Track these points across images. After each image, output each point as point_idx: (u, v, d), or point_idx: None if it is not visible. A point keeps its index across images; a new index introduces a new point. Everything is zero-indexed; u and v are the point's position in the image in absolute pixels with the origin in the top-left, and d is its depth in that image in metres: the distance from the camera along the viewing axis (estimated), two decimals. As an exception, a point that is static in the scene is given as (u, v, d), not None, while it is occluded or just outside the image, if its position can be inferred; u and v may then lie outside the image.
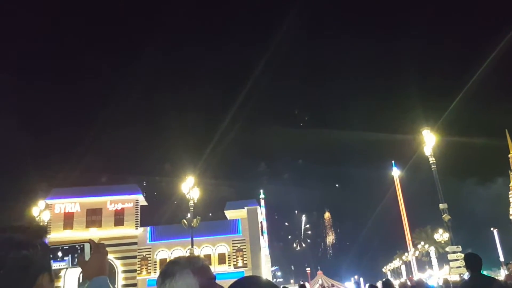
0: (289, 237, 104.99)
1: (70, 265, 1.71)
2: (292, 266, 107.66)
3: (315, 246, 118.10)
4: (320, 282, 64.29)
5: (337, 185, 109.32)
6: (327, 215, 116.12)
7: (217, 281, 1.71)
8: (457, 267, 19.72)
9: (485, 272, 5.18)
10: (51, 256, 1.48)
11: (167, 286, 1.58)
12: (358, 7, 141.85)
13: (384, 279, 9.86)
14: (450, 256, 20.34)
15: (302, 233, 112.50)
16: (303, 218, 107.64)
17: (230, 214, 44.26)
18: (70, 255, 1.70)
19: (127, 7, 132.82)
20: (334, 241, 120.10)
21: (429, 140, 21.20)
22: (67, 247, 1.70)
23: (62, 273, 35.65)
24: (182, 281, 1.57)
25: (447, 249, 21.67)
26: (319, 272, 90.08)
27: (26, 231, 1.37)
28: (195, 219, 26.52)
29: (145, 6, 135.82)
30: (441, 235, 44.98)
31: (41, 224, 1.54)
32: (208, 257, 38.45)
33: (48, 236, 1.46)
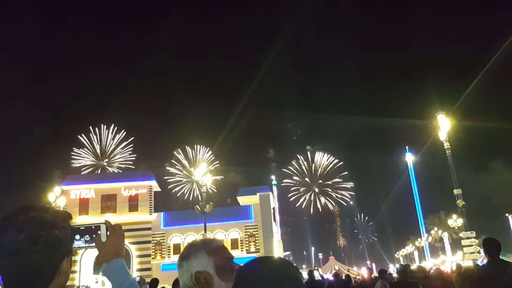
0: (289, 230, 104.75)
1: (85, 246, 1.71)
2: (304, 252, 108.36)
3: (326, 232, 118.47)
4: (336, 267, 64.51)
5: (348, 173, 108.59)
6: (336, 208, 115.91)
7: None
8: (471, 253, 19.61)
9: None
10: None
11: (184, 267, 1.70)
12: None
13: (401, 264, 9.67)
14: (464, 242, 20.20)
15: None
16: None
17: (242, 200, 44.54)
18: (85, 236, 1.70)
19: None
20: (345, 228, 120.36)
21: (444, 125, 20.88)
22: (83, 228, 1.70)
23: (78, 257, 36.43)
24: (197, 261, 1.68)
25: (461, 234, 21.50)
26: (331, 257, 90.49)
27: (55, 213, 1.36)
28: (207, 205, 26.77)
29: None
30: (455, 221, 44.63)
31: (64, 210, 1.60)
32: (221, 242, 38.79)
33: (73, 221, 1.44)
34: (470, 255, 19.82)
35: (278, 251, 45.29)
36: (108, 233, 1.73)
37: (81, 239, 1.69)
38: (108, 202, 39.90)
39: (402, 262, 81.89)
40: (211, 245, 1.74)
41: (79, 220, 1.56)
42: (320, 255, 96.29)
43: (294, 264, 1.34)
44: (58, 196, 31.11)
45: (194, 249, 1.73)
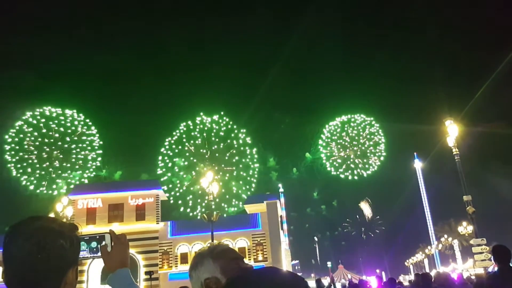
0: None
1: (90, 256, 1.75)
2: (313, 260, 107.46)
3: (334, 240, 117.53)
4: (349, 276, 63.92)
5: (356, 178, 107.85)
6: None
7: None
8: (482, 260, 19.29)
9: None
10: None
11: (194, 277, 1.77)
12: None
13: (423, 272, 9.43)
14: (474, 249, 19.88)
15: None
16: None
17: (249, 208, 44.37)
18: (90, 246, 1.73)
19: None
20: (353, 235, 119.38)
21: (452, 131, 20.69)
22: (87, 238, 1.73)
23: (85, 267, 36.45)
24: (204, 268, 1.74)
25: (471, 242, 21.19)
26: (340, 266, 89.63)
27: (61, 223, 1.41)
28: (214, 214, 26.68)
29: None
30: (465, 228, 44.13)
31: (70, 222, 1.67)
32: (229, 251, 38.56)
33: (79, 231, 1.53)
34: (481, 263, 19.49)
35: (286, 259, 44.97)
36: (112, 243, 1.76)
37: (86, 249, 1.72)
38: (115, 212, 39.99)
39: (412, 271, 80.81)
40: (215, 250, 1.80)
41: (87, 230, 1.57)
42: (329, 264, 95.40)
43: (301, 273, 1.21)
44: (65, 206, 31.25)
45: (200, 257, 1.79)
